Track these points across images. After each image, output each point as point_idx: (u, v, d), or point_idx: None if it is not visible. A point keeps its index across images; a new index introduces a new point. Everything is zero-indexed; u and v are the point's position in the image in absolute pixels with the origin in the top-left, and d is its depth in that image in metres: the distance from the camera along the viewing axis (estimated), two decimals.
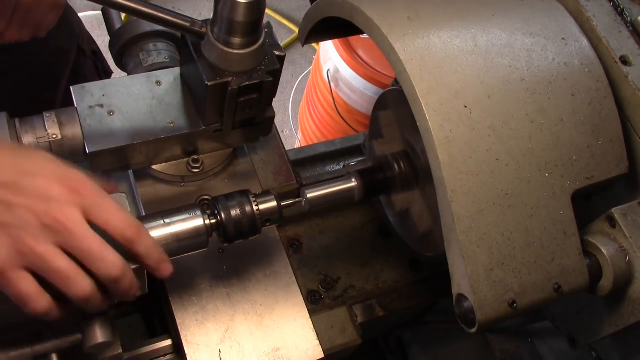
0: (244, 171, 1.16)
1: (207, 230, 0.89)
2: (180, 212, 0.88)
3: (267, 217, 0.93)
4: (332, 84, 2.49)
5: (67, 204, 0.72)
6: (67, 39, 1.48)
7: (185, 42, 0.99)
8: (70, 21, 1.53)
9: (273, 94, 1.05)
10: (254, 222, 0.92)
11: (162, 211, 0.88)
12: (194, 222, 0.88)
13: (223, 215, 0.90)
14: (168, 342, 1.03)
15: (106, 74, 1.73)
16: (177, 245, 0.87)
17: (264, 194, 0.94)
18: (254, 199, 0.92)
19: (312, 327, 1.02)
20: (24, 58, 1.42)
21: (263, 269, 1.06)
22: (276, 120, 1.13)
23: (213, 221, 0.90)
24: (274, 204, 0.93)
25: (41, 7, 1.03)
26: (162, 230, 0.86)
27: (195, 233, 0.88)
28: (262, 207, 0.92)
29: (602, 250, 0.87)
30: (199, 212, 0.88)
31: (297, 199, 0.99)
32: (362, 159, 1.36)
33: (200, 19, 0.97)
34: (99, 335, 0.82)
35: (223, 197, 0.92)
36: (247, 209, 0.91)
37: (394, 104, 1.06)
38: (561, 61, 0.90)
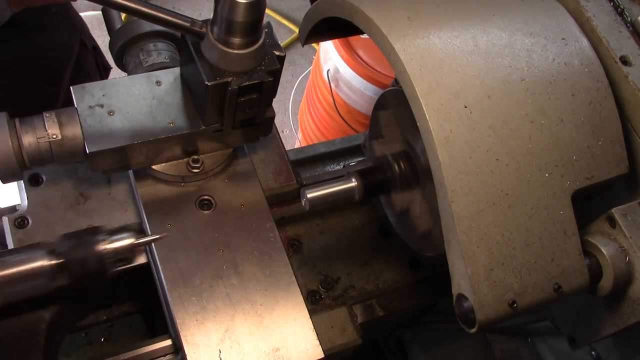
0: (244, 171, 1.16)
1: (49, 271, 0.83)
2: (18, 252, 0.83)
3: (120, 256, 0.87)
4: (332, 84, 2.49)
5: None
6: (70, 34, 1.48)
7: (185, 42, 0.99)
8: (72, 16, 1.54)
9: (273, 94, 1.05)
10: (101, 262, 0.85)
11: (5, 250, 0.83)
12: (33, 263, 0.82)
13: (67, 256, 0.84)
14: (168, 342, 1.03)
15: (105, 69, 1.74)
16: (13, 289, 0.81)
17: (119, 231, 0.88)
18: (104, 238, 0.86)
19: (312, 327, 1.02)
20: (27, 52, 1.42)
21: (263, 269, 1.06)
22: (276, 120, 1.13)
23: (54, 262, 0.83)
24: (127, 242, 0.87)
25: None
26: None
27: (35, 275, 0.82)
28: (111, 246, 0.86)
29: (602, 250, 0.87)
30: (39, 253, 0.83)
31: (153, 237, 0.91)
32: (362, 159, 1.36)
33: (200, 19, 0.97)
34: None
35: (73, 234, 0.86)
36: (95, 248, 0.85)
37: (394, 104, 1.06)
38: (561, 61, 0.90)
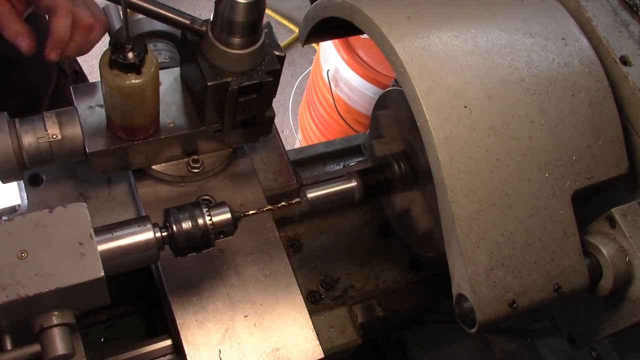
0: (244, 171, 1.16)
1: (158, 243, 0.86)
2: (130, 224, 0.85)
3: (221, 229, 0.90)
4: (332, 84, 2.49)
5: None
6: (48, 61, 1.47)
7: (185, 41, 0.99)
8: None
9: (273, 94, 1.05)
10: (206, 235, 0.88)
11: (113, 224, 0.85)
12: (144, 235, 0.85)
13: (175, 228, 0.87)
14: (168, 342, 1.03)
15: None
16: (125, 259, 0.84)
17: (218, 206, 0.90)
18: (207, 211, 0.89)
19: (312, 327, 1.02)
20: (6, 79, 1.41)
21: (263, 269, 1.06)
22: (276, 120, 1.13)
23: (164, 234, 0.87)
24: (227, 216, 0.90)
25: (77, 34, 1.05)
26: (109, 243, 0.83)
27: (145, 246, 0.85)
28: (215, 219, 0.89)
29: (602, 250, 0.87)
30: (149, 225, 0.86)
31: (257, 210, 0.96)
32: (362, 159, 1.36)
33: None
34: (59, 347, 0.78)
35: (175, 209, 0.89)
36: (200, 221, 0.88)
37: (394, 104, 1.06)
38: (561, 61, 0.90)
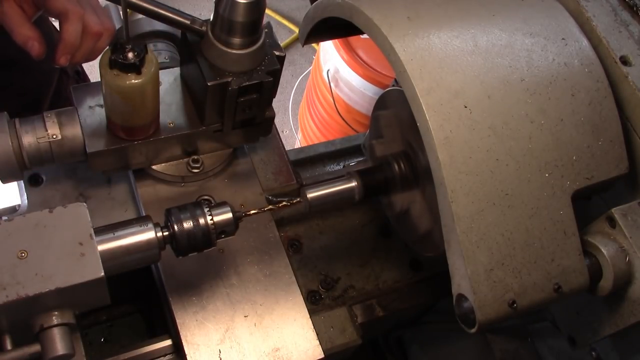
0: (244, 171, 1.16)
1: (159, 243, 0.86)
2: (132, 224, 0.86)
3: (222, 228, 0.90)
4: (332, 84, 2.49)
5: None
6: (51, 61, 1.50)
7: (185, 42, 0.99)
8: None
9: (273, 94, 1.05)
10: (207, 234, 0.88)
11: (115, 223, 0.86)
12: (145, 235, 0.85)
13: (176, 228, 0.87)
14: (168, 342, 1.03)
15: None
16: (126, 259, 0.84)
17: (219, 205, 0.91)
18: (208, 211, 0.89)
19: (312, 327, 1.02)
20: (9, 79, 1.41)
21: (263, 269, 1.06)
22: (276, 120, 1.13)
23: (166, 233, 0.87)
24: (228, 215, 0.90)
25: (86, 41, 1.05)
26: (111, 243, 0.83)
27: (146, 246, 0.85)
28: (216, 219, 0.89)
29: (602, 250, 0.87)
30: (150, 225, 0.86)
31: (258, 210, 0.96)
32: (362, 159, 1.36)
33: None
34: (59, 347, 0.77)
35: (176, 208, 0.89)
36: (201, 221, 0.88)
37: (394, 104, 1.06)
38: (561, 61, 0.90)
